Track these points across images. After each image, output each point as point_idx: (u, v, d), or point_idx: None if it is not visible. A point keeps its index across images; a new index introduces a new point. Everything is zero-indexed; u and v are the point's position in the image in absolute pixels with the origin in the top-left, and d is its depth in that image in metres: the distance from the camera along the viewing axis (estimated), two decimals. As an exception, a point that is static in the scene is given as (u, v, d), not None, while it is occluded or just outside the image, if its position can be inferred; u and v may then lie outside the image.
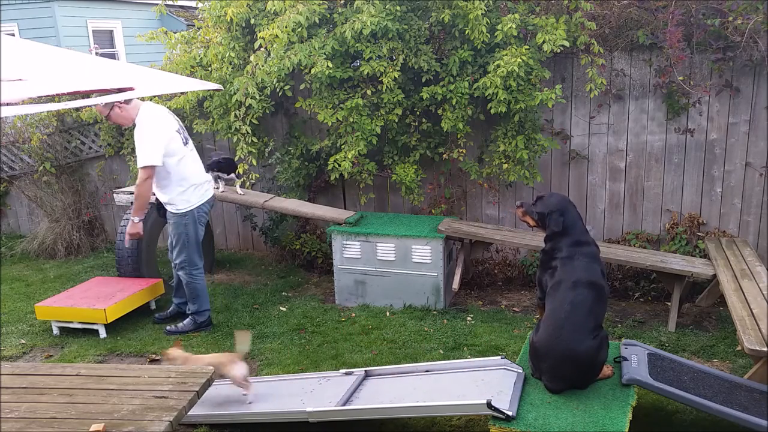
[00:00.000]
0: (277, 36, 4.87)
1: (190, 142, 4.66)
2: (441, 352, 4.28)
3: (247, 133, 5.31)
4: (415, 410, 3.08)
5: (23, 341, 4.73)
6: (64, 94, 2.31)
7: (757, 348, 3.16)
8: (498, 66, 4.72)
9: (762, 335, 3.27)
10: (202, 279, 4.73)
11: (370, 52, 4.98)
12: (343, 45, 4.97)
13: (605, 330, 3.15)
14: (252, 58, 5.10)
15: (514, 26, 4.68)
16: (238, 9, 5.29)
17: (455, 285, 5.07)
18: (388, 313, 4.97)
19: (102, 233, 7.01)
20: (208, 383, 3.64)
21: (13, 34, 11.61)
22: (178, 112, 6.06)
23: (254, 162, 5.62)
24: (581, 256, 3.12)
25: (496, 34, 4.80)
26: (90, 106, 6.32)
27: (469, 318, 4.85)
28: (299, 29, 4.94)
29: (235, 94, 5.14)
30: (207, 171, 4.94)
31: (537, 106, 4.88)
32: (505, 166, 5.14)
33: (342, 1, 5.11)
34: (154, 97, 5.95)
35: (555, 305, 3.08)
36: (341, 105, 5.11)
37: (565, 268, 3.12)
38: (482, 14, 4.72)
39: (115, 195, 5.69)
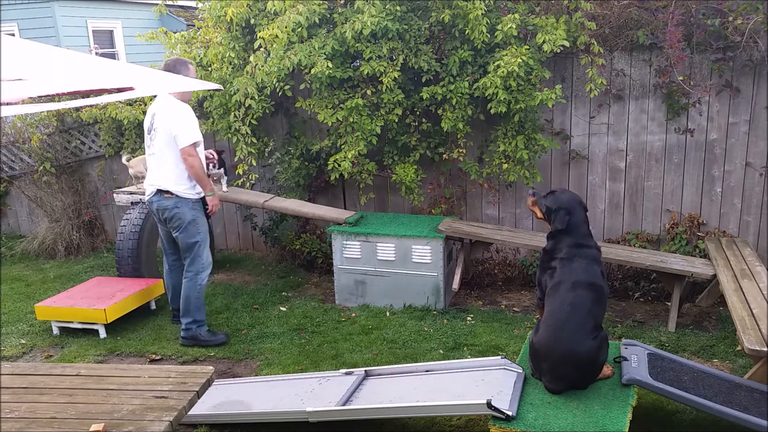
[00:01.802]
0: (277, 36, 4.87)
1: (152, 146, 4.52)
2: (441, 352, 4.28)
3: (247, 133, 5.31)
4: (415, 410, 3.08)
5: (23, 341, 4.73)
6: (64, 94, 2.31)
7: (757, 348, 3.16)
8: (498, 66, 4.72)
9: (762, 335, 3.27)
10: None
11: (370, 52, 4.98)
12: (343, 45, 4.97)
13: (605, 330, 3.15)
14: (252, 58, 5.10)
15: (514, 26, 4.69)
16: (238, 9, 5.29)
17: (455, 285, 5.07)
18: (388, 313, 4.97)
19: (102, 233, 7.01)
20: (208, 383, 3.63)
21: (13, 34, 11.61)
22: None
23: (254, 162, 5.62)
24: (581, 258, 3.11)
25: (496, 34, 4.80)
26: (90, 106, 6.34)
27: (469, 318, 4.85)
28: (299, 29, 4.94)
29: (234, 94, 5.14)
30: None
31: (537, 106, 4.88)
32: (505, 166, 5.14)
33: (342, 1, 5.11)
34: (155, 97, 5.97)
35: (555, 306, 3.08)
36: (341, 105, 5.11)
37: (564, 269, 3.12)
38: (482, 14, 4.72)
39: (115, 195, 5.69)
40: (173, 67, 4.38)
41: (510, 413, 2.77)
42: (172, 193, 4.47)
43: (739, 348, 4.07)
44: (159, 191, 4.48)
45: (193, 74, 4.52)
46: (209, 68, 5.56)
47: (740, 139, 5.05)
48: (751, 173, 5.09)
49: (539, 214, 3.33)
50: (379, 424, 3.43)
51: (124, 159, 5.89)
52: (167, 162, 4.45)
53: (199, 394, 3.48)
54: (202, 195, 4.56)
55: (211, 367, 3.83)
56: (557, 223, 3.19)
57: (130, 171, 5.72)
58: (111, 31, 13.59)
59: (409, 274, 5.00)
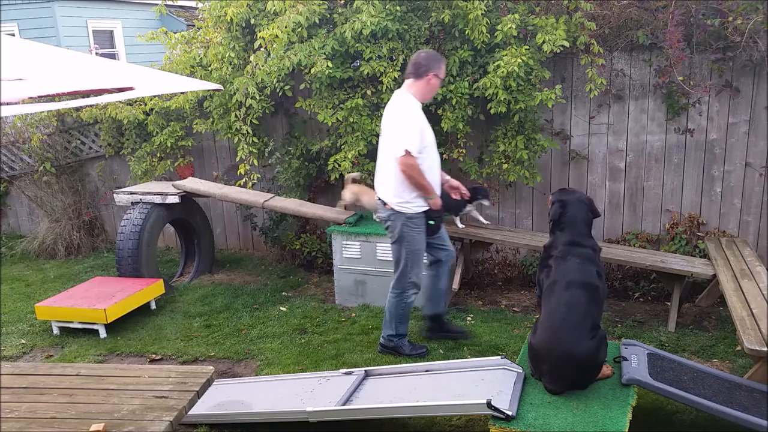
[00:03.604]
0: (277, 36, 4.88)
1: (380, 148, 4.12)
2: (441, 352, 4.28)
3: (248, 133, 5.32)
4: (415, 410, 3.08)
5: (23, 341, 4.73)
6: (64, 94, 2.31)
7: (757, 348, 3.16)
8: (498, 66, 4.72)
9: (762, 335, 3.27)
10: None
11: (370, 52, 4.98)
12: (343, 45, 4.97)
13: (603, 329, 3.15)
14: (252, 58, 5.10)
15: (514, 26, 4.69)
16: (238, 9, 5.29)
17: (455, 285, 5.07)
18: (388, 313, 4.96)
19: (102, 233, 7.01)
20: (208, 383, 3.64)
21: (13, 34, 11.61)
22: (178, 112, 6.08)
23: (255, 162, 5.63)
24: (574, 257, 3.12)
25: (496, 34, 4.80)
26: (90, 106, 6.35)
27: (469, 318, 4.85)
28: (299, 29, 4.94)
29: (235, 94, 5.14)
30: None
31: (537, 106, 4.88)
32: (505, 166, 5.14)
33: (342, 1, 5.11)
34: (155, 97, 5.97)
35: (551, 307, 3.08)
36: (341, 105, 5.11)
37: (559, 268, 3.13)
38: (482, 14, 4.72)
39: (115, 195, 5.69)
40: (425, 59, 3.87)
41: (510, 413, 2.77)
42: (388, 205, 4.07)
43: (739, 348, 4.07)
44: (380, 199, 4.12)
45: (443, 72, 3.98)
46: (209, 68, 5.57)
47: (740, 139, 5.05)
48: (751, 173, 5.09)
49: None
50: (379, 424, 3.43)
51: (352, 176, 5.14)
52: (385, 169, 4.04)
53: (199, 394, 3.49)
54: (426, 208, 4.03)
55: (211, 367, 3.84)
56: (550, 215, 3.23)
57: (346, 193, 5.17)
58: (111, 31, 13.59)
59: (409, 274, 4.99)
